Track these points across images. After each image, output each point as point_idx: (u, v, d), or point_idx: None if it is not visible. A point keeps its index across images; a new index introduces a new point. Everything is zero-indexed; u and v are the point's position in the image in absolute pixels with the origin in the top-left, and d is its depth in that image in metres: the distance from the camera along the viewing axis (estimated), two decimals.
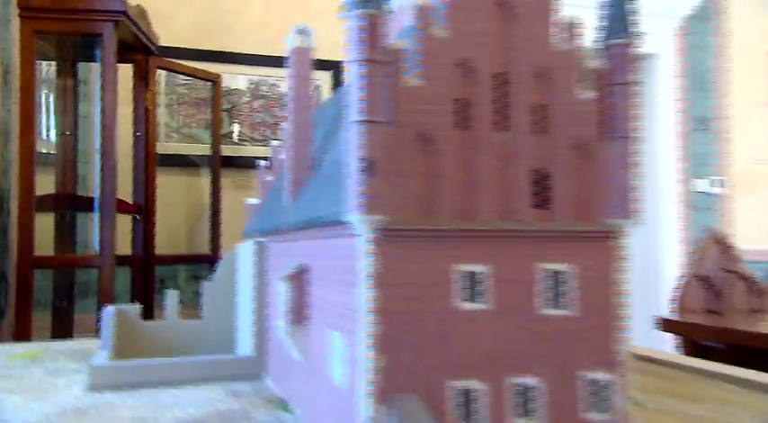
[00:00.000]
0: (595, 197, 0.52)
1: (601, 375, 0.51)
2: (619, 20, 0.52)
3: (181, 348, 1.02)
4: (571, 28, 0.52)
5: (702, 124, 4.33)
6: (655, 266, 4.21)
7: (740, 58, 4.31)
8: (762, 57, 4.34)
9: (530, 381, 0.49)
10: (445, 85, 0.48)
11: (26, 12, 2.27)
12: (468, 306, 0.48)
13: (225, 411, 0.72)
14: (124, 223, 2.77)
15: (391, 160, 0.46)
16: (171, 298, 1.06)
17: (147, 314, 1.66)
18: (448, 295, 0.47)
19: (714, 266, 2.08)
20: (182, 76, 3.05)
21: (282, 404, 0.74)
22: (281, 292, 0.65)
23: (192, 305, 1.17)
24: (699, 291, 2.07)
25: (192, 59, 3.09)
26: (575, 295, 0.50)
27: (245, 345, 0.95)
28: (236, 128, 3.32)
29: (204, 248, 2.99)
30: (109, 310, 0.98)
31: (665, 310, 2.19)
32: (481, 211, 0.48)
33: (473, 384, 0.47)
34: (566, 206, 0.51)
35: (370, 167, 0.45)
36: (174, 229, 3.05)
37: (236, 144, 3.30)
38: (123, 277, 2.67)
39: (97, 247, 2.28)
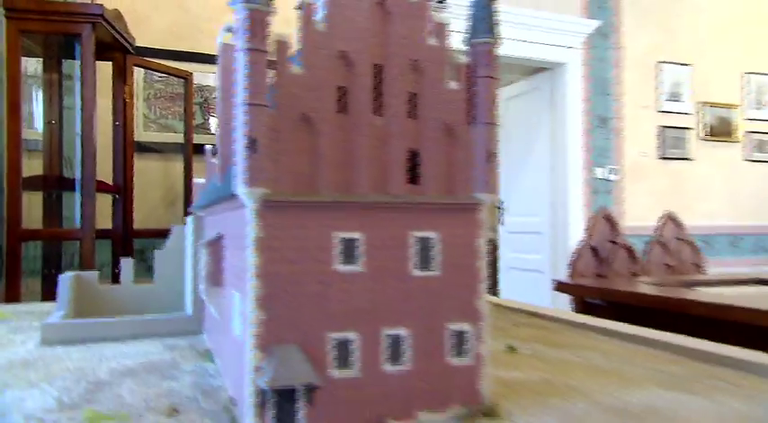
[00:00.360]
0: (461, 174, 0.50)
1: (463, 326, 0.50)
2: (482, 22, 0.51)
3: (136, 309, 0.99)
4: (442, 28, 0.50)
5: (602, 123, 4.40)
6: (563, 239, 4.29)
7: (632, 68, 4.39)
8: (649, 68, 4.43)
9: (400, 332, 0.48)
10: (325, 74, 0.45)
11: (11, 13, 2.15)
12: (345, 268, 0.46)
13: (157, 362, 0.70)
14: (106, 202, 2.68)
15: (273, 139, 0.44)
16: (125, 265, 1.02)
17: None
18: (327, 259, 0.45)
19: (602, 238, 2.12)
20: (158, 73, 2.94)
21: (209, 355, 0.72)
22: (201, 259, 0.63)
23: None
24: (589, 258, 2.11)
25: (169, 59, 2.99)
26: (441, 259, 0.49)
27: (188, 305, 0.92)
28: (213, 121, 3.23)
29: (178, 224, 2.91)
30: (65, 276, 0.93)
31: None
32: (358, 185, 0.47)
33: (349, 336, 0.46)
34: (435, 182, 0.49)
35: (252, 145, 0.42)
36: (152, 207, 2.96)
37: (213, 134, 3.21)
38: (106, 249, 2.59)
39: (78, 222, 2.20)
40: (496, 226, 5.01)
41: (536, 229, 4.58)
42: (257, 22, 0.43)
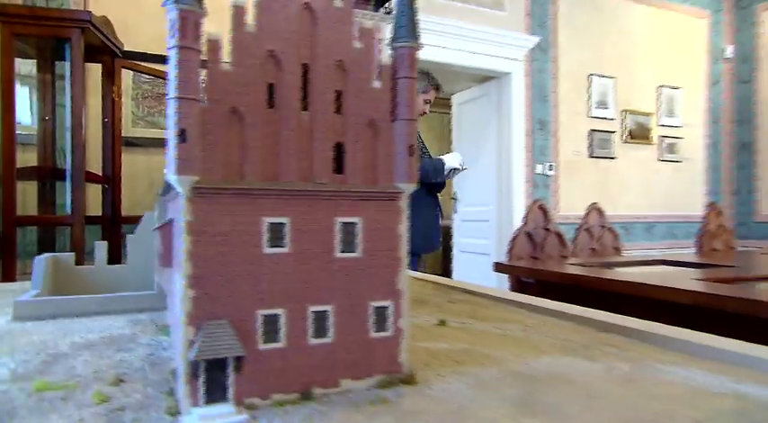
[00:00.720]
0: (384, 166, 0.49)
1: (383, 303, 0.48)
2: (404, 28, 0.49)
3: (109, 288, 0.94)
4: (367, 32, 0.48)
5: (541, 126, 4.45)
6: (508, 226, 4.34)
7: (566, 79, 4.44)
8: (581, 79, 4.49)
9: (325, 308, 0.46)
10: (254, 72, 0.43)
11: (4, 17, 2.04)
12: (273, 251, 0.44)
13: (116, 336, 0.67)
14: (97, 191, 2.59)
15: (204, 131, 0.41)
16: (99, 248, 0.97)
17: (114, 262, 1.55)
18: (256, 242, 0.43)
19: (536, 225, 2.14)
20: (145, 75, 2.84)
21: (166, 330, 0.69)
22: (154, 242, 0.60)
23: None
24: (525, 243, 2.13)
25: (156, 62, 2.89)
26: (364, 242, 0.47)
27: (155, 283, 0.89)
28: None
29: None
30: (40, 258, 0.89)
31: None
32: (286, 174, 0.45)
33: (277, 312, 0.44)
34: (359, 172, 0.48)
35: (182, 136, 0.40)
36: (139, 196, 2.87)
37: None
38: (97, 234, 2.50)
39: (69, 209, 2.11)
40: (451, 215, 5.04)
41: (485, 218, 4.61)
42: (188, 22, 0.40)
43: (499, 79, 4.39)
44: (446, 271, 5.51)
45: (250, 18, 0.43)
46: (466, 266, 4.85)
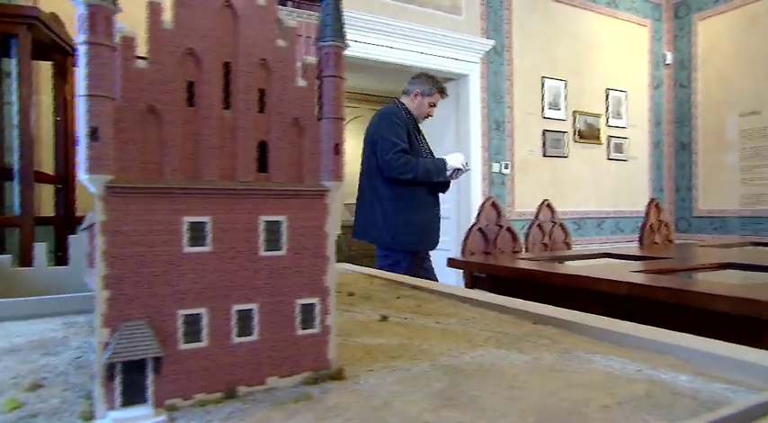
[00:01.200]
0: (310, 164, 0.48)
1: (310, 300, 0.48)
2: (329, 27, 0.48)
3: (51, 290, 0.90)
4: (291, 31, 0.47)
5: (498, 126, 4.52)
6: (466, 223, 4.39)
7: (520, 81, 4.52)
8: (534, 81, 4.58)
9: (250, 306, 0.45)
10: (172, 69, 0.42)
11: None
12: (194, 250, 0.43)
13: (47, 339, 0.63)
14: (50, 192, 2.47)
15: (118, 129, 0.39)
16: (38, 249, 0.93)
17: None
18: (176, 241, 0.42)
19: (488, 221, 2.17)
20: None
21: None
22: (82, 243, 0.57)
23: None
24: (478, 239, 2.16)
25: None
26: (289, 240, 0.47)
27: None
28: None
29: None
30: None
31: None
32: (208, 173, 0.43)
33: (199, 311, 0.43)
34: (284, 170, 0.47)
35: (93, 134, 0.38)
36: (93, 196, 2.75)
37: None
38: (49, 235, 2.39)
39: (18, 210, 2.01)
40: None
41: (444, 215, 4.64)
42: (99, 17, 0.38)
43: (457, 81, 4.43)
44: None
45: (168, 15, 0.42)
46: None
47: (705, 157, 4.90)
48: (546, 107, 4.60)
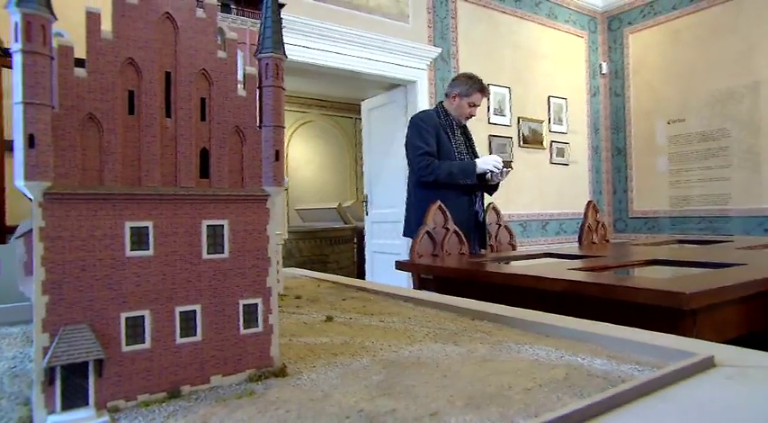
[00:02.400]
0: (251, 170, 0.50)
1: (253, 300, 0.49)
2: (268, 39, 0.50)
3: None
4: (231, 43, 0.49)
5: None
6: None
7: None
8: None
9: (193, 308, 0.46)
10: (112, 78, 0.43)
11: None
12: (136, 254, 0.44)
13: None
14: None
15: (56, 136, 0.40)
16: None
17: None
18: (118, 246, 0.43)
19: (436, 225, 2.24)
20: None
21: None
22: (17, 251, 0.57)
23: None
24: (427, 242, 2.22)
25: None
26: (231, 243, 0.48)
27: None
28: None
29: None
30: None
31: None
32: (149, 179, 0.45)
33: (142, 314, 0.44)
34: (225, 176, 0.49)
35: (30, 141, 0.39)
36: (27, 203, 2.62)
37: None
38: None
39: None
40: (363, 217, 5.09)
41: (395, 219, 4.71)
42: (35, 26, 0.39)
43: (405, 87, 4.51)
44: (360, 272, 5.56)
45: (108, 25, 0.43)
46: (378, 266, 4.92)
47: (638, 161, 5.21)
48: (492, 113, 4.76)
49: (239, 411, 0.41)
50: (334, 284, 1.23)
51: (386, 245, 4.79)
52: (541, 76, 5.07)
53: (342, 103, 7.55)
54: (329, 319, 0.80)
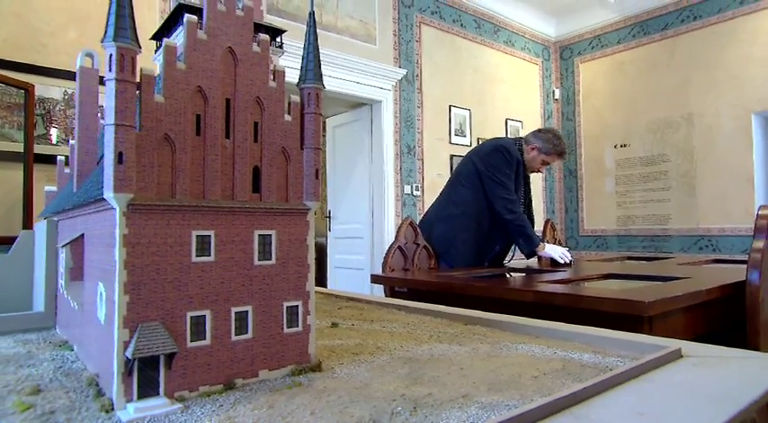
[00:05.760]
0: (294, 186, 0.56)
1: (294, 303, 0.55)
2: (312, 71, 0.57)
3: None
4: (280, 74, 0.56)
5: (409, 150, 4.76)
6: (380, 242, 4.54)
7: (430, 108, 4.83)
8: (442, 109, 4.91)
9: (245, 309, 0.52)
10: (184, 104, 0.48)
11: None
12: (200, 259, 0.49)
13: (11, 354, 0.64)
14: None
15: (138, 154, 0.45)
16: None
17: None
18: (185, 252, 0.48)
19: (407, 240, 2.32)
20: None
21: (66, 345, 0.68)
22: (61, 257, 0.60)
23: None
24: (398, 256, 2.29)
25: (7, 69, 2.60)
26: (278, 251, 0.54)
27: (38, 303, 0.84)
28: (54, 132, 2.86)
29: (17, 231, 2.52)
30: None
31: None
32: (212, 193, 0.50)
33: (204, 313, 0.49)
34: (273, 192, 0.54)
35: (119, 158, 0.44)
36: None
37: (55, 145, 2.84)
38: None
39: None
40: (325, 232, 5.12)
41: (358, 235, 4.77)
42: (125, 57, 0.44)
43: (371, 106, 4.62)
44: (322, 284, 5.55)
45: (182, 58, 0.49)
46: (341, 281, 4.95)
47: (588, 182, 5.53)
48: (453, 133, 4.94)
49: (297, 398, 0.47)
50: (324, 295, 1.28)
51: (350, 260, 4.83)
52: (499, 99, 5.31)
53: None
54: (335, 325, 0.85)
